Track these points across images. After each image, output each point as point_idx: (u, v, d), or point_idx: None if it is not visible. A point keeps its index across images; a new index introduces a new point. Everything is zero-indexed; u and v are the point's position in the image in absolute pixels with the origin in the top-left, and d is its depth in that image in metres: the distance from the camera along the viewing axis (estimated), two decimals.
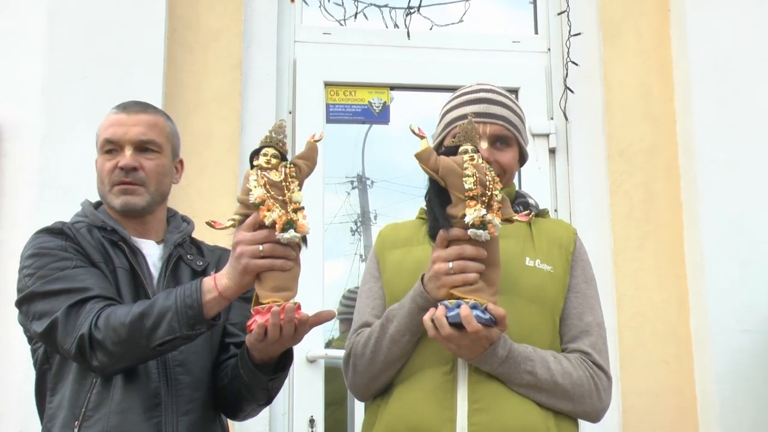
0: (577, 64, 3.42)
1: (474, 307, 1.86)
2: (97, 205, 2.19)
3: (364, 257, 3.59)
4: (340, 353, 2.18)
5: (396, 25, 3.52)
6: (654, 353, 3.23)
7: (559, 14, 3.51)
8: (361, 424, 2.12)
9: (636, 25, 3.48)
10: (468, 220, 1.86)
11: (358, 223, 3.78)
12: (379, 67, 3.49)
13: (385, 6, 3.54)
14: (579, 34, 3.44)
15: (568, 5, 3.47)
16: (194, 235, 2.26)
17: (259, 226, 1.85)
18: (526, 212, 2.01)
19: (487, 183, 1.89)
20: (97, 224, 2.12)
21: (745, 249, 3.20)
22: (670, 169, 3.37)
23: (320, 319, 1.94)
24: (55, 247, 2.04)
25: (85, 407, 1.96)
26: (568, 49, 3.44)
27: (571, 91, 3.42)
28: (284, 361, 2.04)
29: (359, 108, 3.46)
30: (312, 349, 3.16)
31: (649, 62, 3.46)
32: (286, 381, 2.16)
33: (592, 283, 2.13)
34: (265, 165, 1.87)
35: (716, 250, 3.20)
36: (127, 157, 2.10)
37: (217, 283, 1.90)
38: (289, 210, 1.84)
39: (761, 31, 3.39)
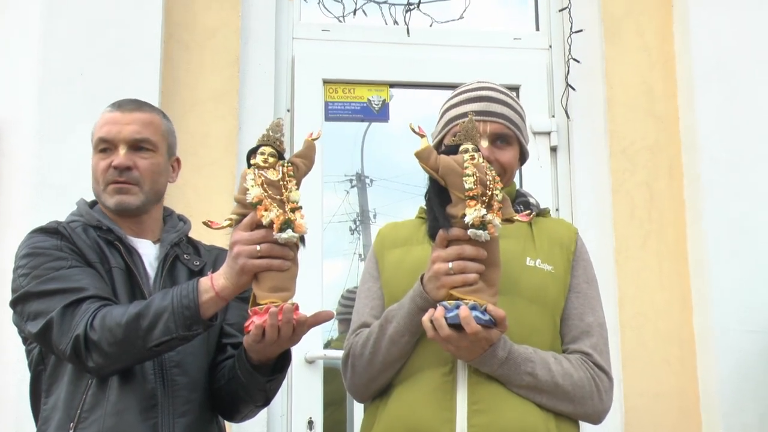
0: (578, 62, 3.42)
1: (473, 308, 1.86)
2: (93, 205, 2.19)
3: (363, 257, 3.59)
4: (339, 354, 2.18)
5: (395, 22, 3.53)
6: (656, 354, 3.23)
7: (560, 11, 3.51)
8: (360, 425, 2.13)
9: (638, 21, 3.48)
10: (468, 219, 1.86)
11: (357, 223, 3.78)
12: (379, 65, 3.48)
13: (385, 2, 3.54)
14: (580, 30, 3.44)
15: (569, 2, 3.47)
16: (191, 234, 2.26)
17: (257, 225, 1.85)
18: (526, 212, 2.01)
19: (488, 182, 1.89)
20: (92, 224, 2.12)
21: (749, 248, 3.20)
22: (673, 167, 3.37)
23: (319, 319, 1.94)
24: (51, 247, 2.04)
25: (81, 408, 1.96)
26: (570, 46, 3.44)
27: (573, 89, 3.42)
28: (282, 362, 2.04)
29: (358, 106, 3.46)
30: (311, 350, 3.16)
31: (651, 59, 3.46)
32: (285, 382, 2.16)
33: (593, 283, 2.13)
34: (262, 164, 1.87)
35: (719, 249, 3.20)
36: (121, 156, 2.10)
37: (213, 283, 1.90)
38: (286, 209, 1.84)
39: (765, 27, 3.38)
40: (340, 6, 3.51)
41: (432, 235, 1.95)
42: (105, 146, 2.13)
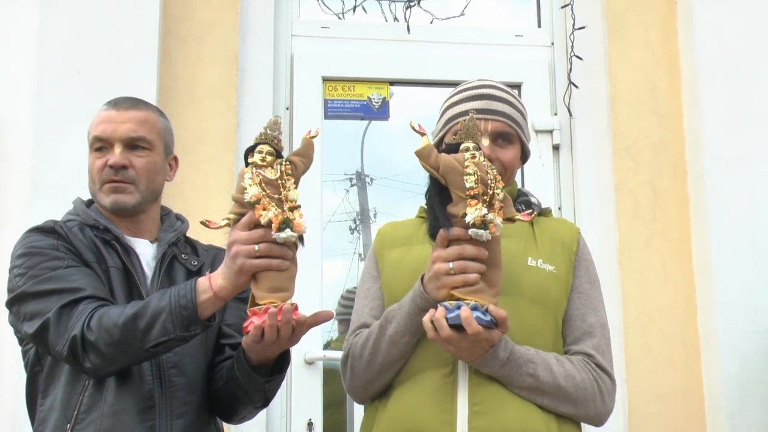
0: (581, 59, 3.43)
1: (474, 308, 1.86)
2: (90, 204, 2.19)
3: (363, 256, 3.59)
4: (339, 355, 2.18)
5: (396, 19, 3.53)
6: (660, 355, 3.24)
7: (562, 7, 3.52)
8: (359, 426, 2.13)
9: (641, 17, 3.48)
10: (469, 219, 1.86)
11: (357, 222, 3.78)
12: (379, 62, 3.49)
13: None
14: (583, 27, 3.44)
15: None
16: (189, 233, 2.26)
17: (255, 225, 1.85)
18: (528, 211, 2.01)
19: (489, 181, 1.89)
20: (89, 223, 2.12)
21: (755, 248, 3.20)
22: (677, 165, 3.38)
23: (318, 319, 1.95)
24: (47, 247, 2.04)
25: (78, 410, 1.97)
26: (572, 43, 3.44)
27: (576, 86, 3.42)
28: (281, 362, 2.05)
29: (358, 104, 3.46)
30: (310, 351, 3.16)
31: (655, 56, 3.46)
32: (284, 383, 2.16)
33: (595, 283, 2.13)
34: (260, 162, 1.87)
35: (724, 248, 3.20)
36: (117, 155, 2.10)
37: (212, 284, 1.90)
38: (285, 208, 1.84)
39: None
40: (339, 3, 3.52)
41: (432, 235, 1.96)
42: (101, 145, 2.13)
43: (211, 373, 2.12)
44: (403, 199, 3.58)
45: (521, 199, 2.17)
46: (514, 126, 2.13)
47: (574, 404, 2.00)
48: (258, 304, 1.87)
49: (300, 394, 3.16)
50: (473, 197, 1.87)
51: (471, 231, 1.86)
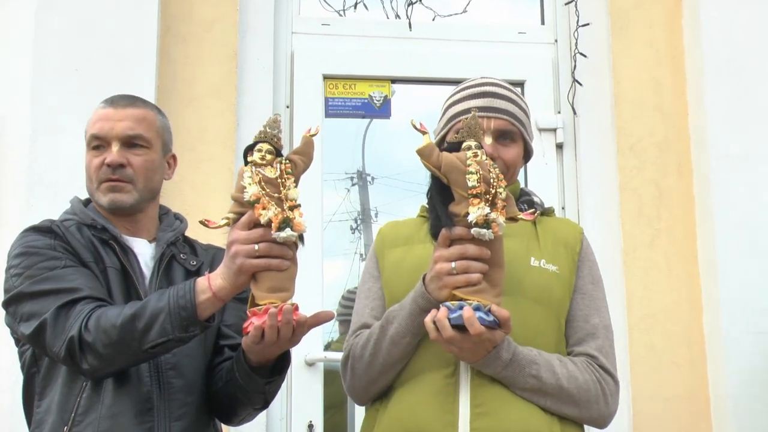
0: (585, 56, 3.42)
1: (477, 308, 1.86)
2: (87, 203, 2.19)
3: (364, 256, 3.59)
4: (340, 356, 2.18)
5: (397, 16, 3.53)
6: (665, 356, 3.23)
7: (566, 4, 3.51)
8: (360, 428, 2.13)
9: (646, 14, 3.48)
10: (471, 218, 1.86)
11: (358, 221, 3.79)
12: (380, 60, 3.49)
13: None
14: (587, 24, 3.44)
15: None
16: (188, 233, 2.26)
17: (255, 224, 1.85)
18: (531, 211, 2.01)
19: (491, 180, 1.89)
20: (86, 222, 2.12)
21: (761, 247, 3.20)
22: (682, 164, 3.37)
23: (319, 320, 1.95)
24: (44, 246, 2.05)
25: (75, 412, 1.97)
26: (576, 40, 3.44)
27: (580, 84, 3.41)
28: (281, 363, 2.05)
29: (359, 102, 3.46)
30: (311, 352, 3.16)
31: (660, 53, 3.46)
32: (284, 384, 2.16)
33: (599, 283, 2.13)
34: (259, 161, 1.87)
35: (730, 248, 3.19)
36: (114, 153, 2.10)
37: (211, 284, 1.90)
38: (285, 207, 1.84)
39: None
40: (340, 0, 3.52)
41: (434, 234, 1.96)
42: (98, 143, 2.13)
43: (210, 374, 2.12)
44: (404, 198, 3.58)
45: (524, 199, 2.17)
46: (516, 124, 2.13)
47: (577, 406, 2.00)
48: (258, 305, 1.87)
49: (300, 396, 3.16)
50: (476, 196, 1.87)
51: (473, 230, 1.86)
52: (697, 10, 3.37)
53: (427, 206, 2.11)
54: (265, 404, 2.13)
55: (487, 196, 1.88)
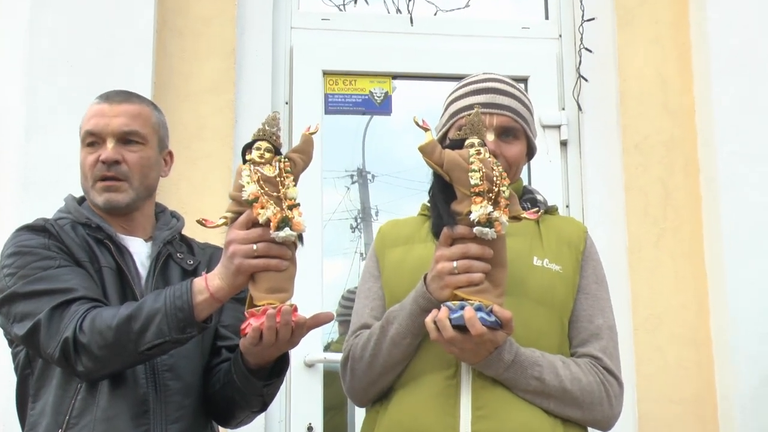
0: (590, 51, 3.42)
1: (479, 308, 1.86)
2: (81, 201, 2.19)
3: (364, 255, 3.60)
4: (340, 357, 2.18)
5: (398, 11, 3.53)
6: (671, 358, 3.23)
7: None
8: (360, 430, 2.13)
9: (653, 9, 3.48)
10: (474, 217, 1.86)
11: (359, 220, 3.79)
12: (381, 55, 3.49)
13: None
14: (592, 19, 3.44)
15: None
16: (185, 231, 2.27)
17: (253, 224, 1.86)
18: (534, 209, 2.01)
19: (494, 178, 1.90)
20: (81, 221, 2.12)
21: None
22: (689, 162, 3.37)
23: (318, 321, 1.95)
24: (38, 246, 2.05)
25: (69, 414, 1.97)
26: (581, 35, 3.44)
27: (585, 80, 3.41)
28: (280, 365, 2.05)
29: (359, 98, 3.46)
30: (310, 353, 3.17)
31: (666, 49, 3.45)
32: (283, 386, 2.16)
33: (603, 283, 2.13)
34: (258, 159, 1.87)
35: (738, 248, 3.19)
36: (109, 150, 2.11)
37: (208, 284, 1.90)
38: (284, 207, 1.84)
39: None
40: None
41: (436, 233, 1.96)
42: (92, 140, 2.13)
43: (207, 376, 2.12)
44: (405, 197, 3.58)
45: (527, 197, 2.18)
46: (519, 121, 2.13)
47: (581, 408, 2.00)
48: (256, 306, 1.88)
49: (300, 398, 3.17)
50: (478, 194, 1.87)
51: (476, 229, 1.87)
52: (705, 5, 3.36)
53: (428, 204, 2.11)
54: (264, 407, 2.13)
55: (490, 194, 1.88)
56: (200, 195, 3.13)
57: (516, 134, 2.14)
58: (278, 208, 1.84)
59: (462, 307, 1.86)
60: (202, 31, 3.28)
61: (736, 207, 3.22)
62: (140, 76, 3.06)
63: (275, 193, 1.85)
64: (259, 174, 1.86)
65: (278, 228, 1.83)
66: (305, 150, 1.94)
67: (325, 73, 3.44)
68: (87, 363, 1.92)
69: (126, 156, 2.12)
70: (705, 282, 3.28)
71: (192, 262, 2.18)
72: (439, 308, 1.89)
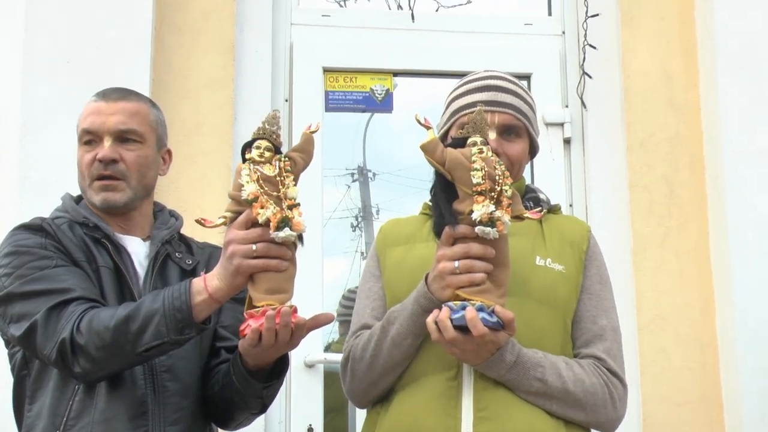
0: (594, 48, 3.42)
1: (480, 309, 1.86)
2: (79, 200, 2.19)
3: (365, 255, 3.60)
4: (340, 357, 2.19)
5: (400, 7, 3.53)
6: (676, 359, 3.23)
7: None
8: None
9: (657, 4, 3.47)
10: (476, 216, 1.86)
11: (359, 219, 3.79)
12: (382, 52, 3.49)
13: None
14: (596, 15, 3.44)
15: None
16: (183, 231, 2.27)
17: (252, 223, 1.86)
18: (537, 209, 2.02)
19: (497, 177, 1.90)
20: (78, 220, 2.12)
21: None
22: (694, 160, 3.37)
23: (318, 322, 1.95)
24: (34, 245, 2.05)
25: (67, 416, 1.97)
26: (585, 31, 3.44)
27: (589, 77, 3.41)
28: (280, 367, 2.05)
29: (360, 95, 3.47)
30: (310, 354, 3.17)
31: (671, 45, 3.45)
32: (283, 387, 2.17)
33: (606, 284, 2.13)
34: (257, 158, 1.87)
35: (744, 247, 3.19)
36: (106, 148, 2.11)
37: (207, 285, 1.90)
38: (284, 206, 1.84)
39: None
40: None
41: (437, 233, 1.97)
42: (89, 138, 2.13)
43: (206, 377, 2.13)
44: (406, 195, 3.58)
45: (529, 196, 2.18)
46: (521, 119, 2.14)
47: (584, 410, 2.00)
48: (255, 307, 1.88)
49: (300, 399, 3.17)
50: (480, 193, 1.88)
51: (478, 229, 1.87)
52: (710, 0, 3.36)
53: (429, 203, 2.11)
54: (263, 409, 2.13)
55: (492, 193, 1.88)
56: (199, 193, 3.13)
57: (518, 132, 2.14)
58: (278, 208, 1.84)
59: (463, 308, 1.87)
60: (201, 28, 3.28)
61: (742, 205, 3.22)
62: (139, 72, 3.06)
63: (275, 193, 1.85)
64: (258, 173, 1.86)
65: (278, 228, 1.83)
66: (306, 149, 1.94)
67: (326, 70, 3.44)
68: (84, 364, 1.93)
69: (123, 155, 2.12)
70: (710, 282, 3.28)
71: (191, 262, 2.18)
72: (440, 308, 1.90)
